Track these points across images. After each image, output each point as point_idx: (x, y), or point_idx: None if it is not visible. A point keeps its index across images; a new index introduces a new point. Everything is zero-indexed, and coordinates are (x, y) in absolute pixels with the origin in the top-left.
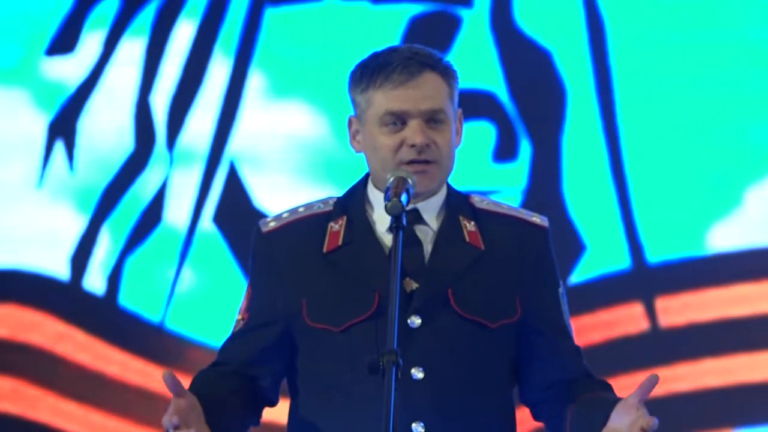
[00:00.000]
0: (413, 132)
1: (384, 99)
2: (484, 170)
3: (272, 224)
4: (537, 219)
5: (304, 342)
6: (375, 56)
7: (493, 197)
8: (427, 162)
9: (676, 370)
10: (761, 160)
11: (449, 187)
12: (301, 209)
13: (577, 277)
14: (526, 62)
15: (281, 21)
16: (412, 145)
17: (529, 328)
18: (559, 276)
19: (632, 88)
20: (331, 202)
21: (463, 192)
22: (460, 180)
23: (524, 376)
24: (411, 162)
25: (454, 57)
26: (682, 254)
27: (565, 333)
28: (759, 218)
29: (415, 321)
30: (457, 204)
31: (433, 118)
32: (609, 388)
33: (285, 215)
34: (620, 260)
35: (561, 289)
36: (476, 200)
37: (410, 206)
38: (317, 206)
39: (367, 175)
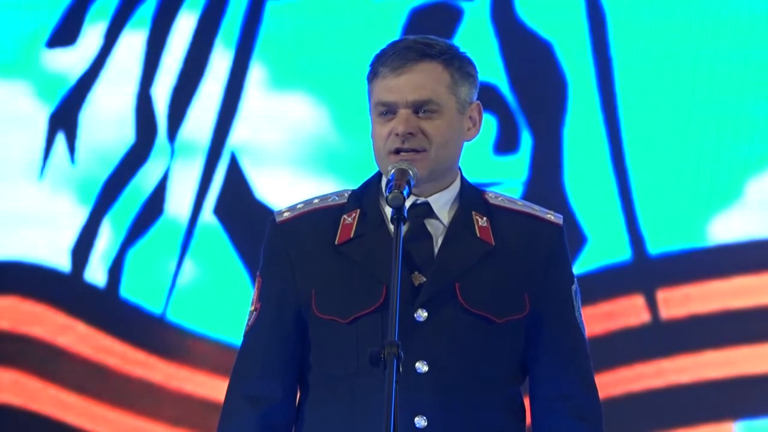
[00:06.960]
0: (397, 121)
1: (377, 89)
2: (485, 162)
3: (286, 214)
4: (551, 216)
5: (313, 333)
6: (385, 47)
7: (495, 189)
8: (415, 151)
9: (677, 362)
10: (762, 151)
11: (464, 180)
12: (316, 201)
13: (578, 268)
14: (527, 54)
15: (282, 13)
16: (397, 134)
17: (538, 325)
18: (573, 273)
19: (633, 79)
20: (346, 194)
21: (479, 187)
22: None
23: (530, 377)
24: (397, 151)
25: None
26: (683, 246)
27: (577, 330)
28: (760, 210)
29: (422, 314)
30: (471, 199)
31: (423, 108)
32: None
33: (300, 206)
34: (621, 252)
35: (575, 287)
36: (491, 196)
37: (421, 200)
38: (332, 198)
39: None
